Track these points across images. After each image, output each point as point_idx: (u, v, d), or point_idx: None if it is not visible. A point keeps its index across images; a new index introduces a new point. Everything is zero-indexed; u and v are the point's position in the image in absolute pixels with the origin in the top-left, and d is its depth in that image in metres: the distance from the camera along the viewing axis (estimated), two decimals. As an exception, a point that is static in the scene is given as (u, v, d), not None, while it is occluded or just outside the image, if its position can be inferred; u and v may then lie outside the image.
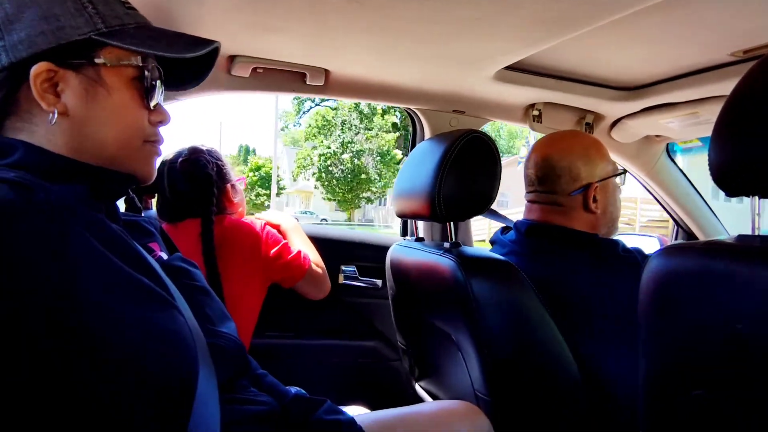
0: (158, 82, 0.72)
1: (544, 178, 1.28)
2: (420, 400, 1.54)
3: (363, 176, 24.44)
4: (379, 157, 24.33)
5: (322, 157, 24.52)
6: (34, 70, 0.63)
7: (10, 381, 0.49)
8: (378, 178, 24.64)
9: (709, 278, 0.62)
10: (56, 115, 0.64)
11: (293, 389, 0.98)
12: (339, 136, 24.42)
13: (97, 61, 0.66)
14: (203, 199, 1.41)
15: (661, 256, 0.70)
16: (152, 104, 0.72)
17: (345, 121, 24.36)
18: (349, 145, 24.24)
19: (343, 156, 24.28)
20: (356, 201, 25.63)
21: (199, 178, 1.43)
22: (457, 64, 1.43)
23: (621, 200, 1.35)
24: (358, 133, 24.23)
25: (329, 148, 24.48)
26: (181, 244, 1.06)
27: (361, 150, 24.15)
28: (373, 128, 24.26)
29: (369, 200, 26.16)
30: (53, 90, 0.64)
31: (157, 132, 0.75)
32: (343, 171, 24.43)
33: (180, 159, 1.44)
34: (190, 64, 0.76)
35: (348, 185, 24.59)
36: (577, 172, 1.26)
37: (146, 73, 0.70)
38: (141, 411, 0.58)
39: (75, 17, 0.65)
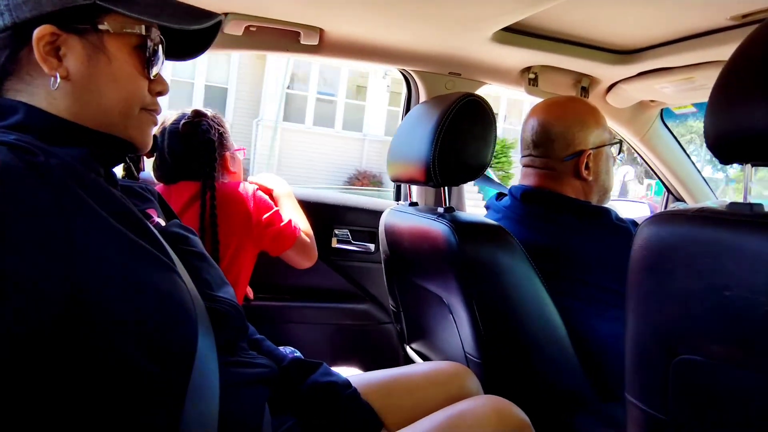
0: (160, 51, 0.72)
1: (539, 142, 1.28)
2: (411, 361, 1.57)
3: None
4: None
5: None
6: (38, 32, 0.62)
7: (16, 337, 0.50)
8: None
9: (699, 245, 0.63)
10: (59, 80, 0.64)
11: (288, 350, 1.00)
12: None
13: (100, 27, 0.65)
14: (204, 163, 1.40)
15: (652, 223, 0.70)
16: (153, 74, 0.72)
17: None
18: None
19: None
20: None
21: (201, 142, 1.40)
22: (454, 24, 1.40)
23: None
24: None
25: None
26: (173, 205, 1.05)
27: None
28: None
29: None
30: (55, 54, 0.64)
31: (156, 101, 0.74)
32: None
33: (183, 121, 1.42)
34: (192, 35, 0.75)
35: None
36: (571, 138, 1.25)
37: (149, 42, 0.69)
38: (142, 369, 0.59)
39: None
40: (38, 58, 0.62)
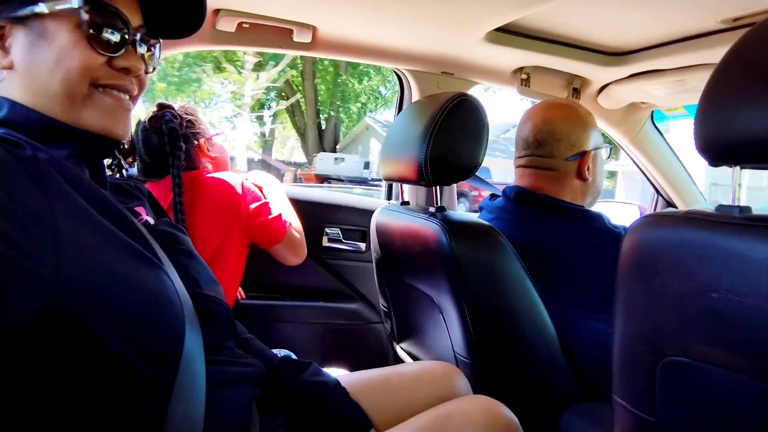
0: (115, 26, 0.67)
1: (543, 141, 1.29)
2: (401, 361, 1.57)
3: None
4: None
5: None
6: None
7: (5, 326, 0.50)
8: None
9: (687, 247, 0.63)
10: (3, 72, 0.63)
11: (281, 352, 0.99)
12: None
13: (36, 10, 0.63)
14: (170, 153, 1.38)
15: (641, 225, 0.70)
16: (102, 49, 0.66)
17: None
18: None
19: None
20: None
21: (166, 133, 1.39)
22: (448, 24, 1.40)
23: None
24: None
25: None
26: (163, 200, 1.04)
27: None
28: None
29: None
30: (2, 46, 0.64)
31: (118, 76, 0.69)
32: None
33: (150, 116, 1.42)
34: (178, 14, 0.73)
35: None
36: (576, 138, 1.27)
37: (83, 15, 0.64)
38: (129, 365, 0.58)
39: None
40: None
